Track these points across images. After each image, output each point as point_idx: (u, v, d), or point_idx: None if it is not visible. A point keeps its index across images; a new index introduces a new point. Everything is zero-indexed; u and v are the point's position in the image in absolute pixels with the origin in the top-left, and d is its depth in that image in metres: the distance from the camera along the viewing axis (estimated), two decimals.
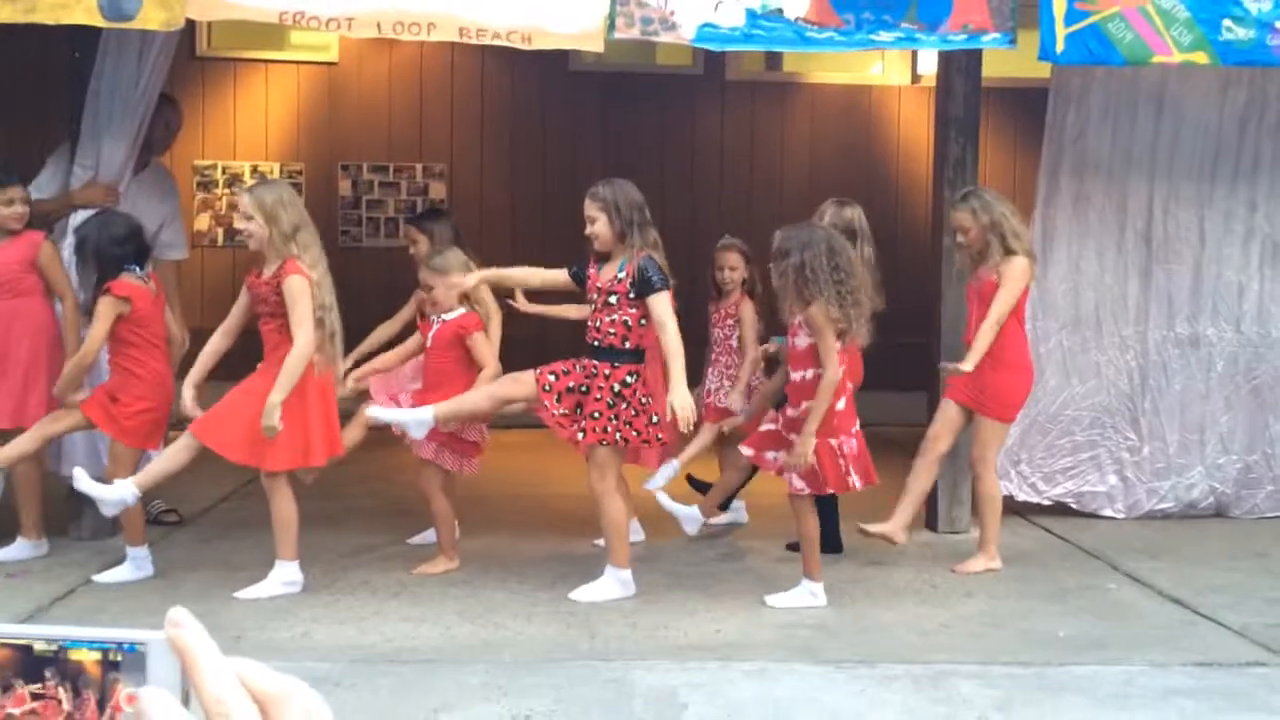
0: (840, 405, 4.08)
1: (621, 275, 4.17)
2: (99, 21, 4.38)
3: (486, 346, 4.59)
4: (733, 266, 5.12)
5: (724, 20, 4.84)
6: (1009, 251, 4.56)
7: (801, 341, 4.09)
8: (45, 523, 4.65)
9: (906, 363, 5.65)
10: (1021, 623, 4.06)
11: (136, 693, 0.60)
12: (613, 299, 4.17)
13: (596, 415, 4.12)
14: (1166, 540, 5.18)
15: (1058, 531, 5.30)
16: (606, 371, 4.15)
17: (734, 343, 5.12)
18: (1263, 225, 5.65)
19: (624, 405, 4.10)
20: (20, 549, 4.55)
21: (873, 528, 4.48)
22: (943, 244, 5.39)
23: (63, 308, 4.65)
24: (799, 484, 4.10)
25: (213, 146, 8.36)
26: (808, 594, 4.18)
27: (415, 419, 4.24)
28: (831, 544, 4.69)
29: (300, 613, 3.93)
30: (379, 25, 4.69)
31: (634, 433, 4.14)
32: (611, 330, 4.17)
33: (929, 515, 5.32)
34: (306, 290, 4.04)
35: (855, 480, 4.12)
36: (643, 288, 4.11)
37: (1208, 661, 3.63)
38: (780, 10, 4.83)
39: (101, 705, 0.61)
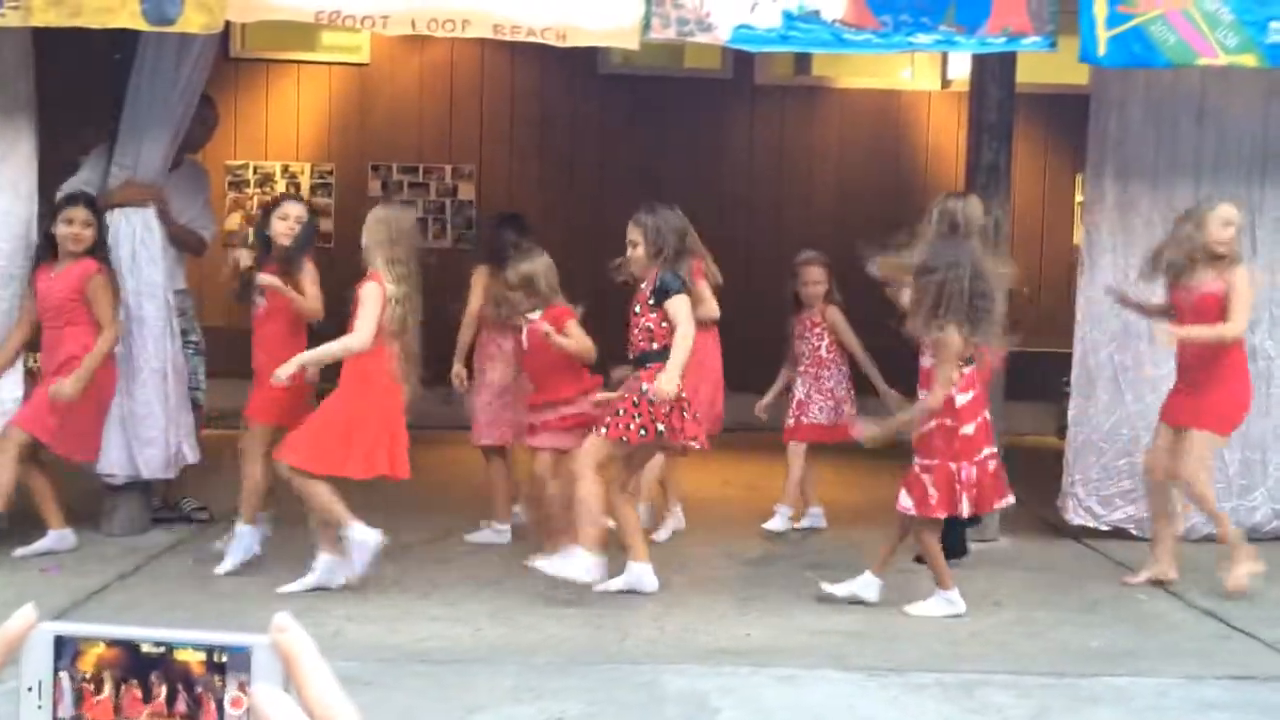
0: (968, 430, 4.08)
1: (644, 286, 4.39)
2: (143, 25, 4.42)
3: (580, 330, 4.61)
4: (816, 280, 5.31)
5: (760, 21, 4.82)
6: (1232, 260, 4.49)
7: (926, 361, 4.11)
8: (77, 521, 4.68)
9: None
10: (1053, 633, 4.02)
11: (251, 691, 0.61)
12: (637, 308, 4.38)
13: (621, 412, 4.20)
14: (1200, 555, 5.11)
15: (1089, 543, 5.24)
16: (638, 374, 4.23)
17: (823, 352, 5.25)
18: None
19: (650, 403, 4.16)
20: (52, 540, 4.59)
21: (1136, 579, 4.55)
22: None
23: (99, 339, 4.58)
24: (906, 503, 4.10)
25: (245, 146, 8.41)
26: (945, 603, 4.15)
27: (579, 568, 4.14)
28: (955, 549, 4.61)
29: (333, 611, 3.93)
30: (414, 23, 4.70)
31: (659, 428, 4.16)
32: (639, 336, 4.35)
33: None
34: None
35: (965, 507, 4.10)
36: (661, 295, 4.28)
37: (1243, 675, 3.58)
38: (817, 12, 4.81)
39: (220, 707, 0.62)
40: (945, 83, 8.60)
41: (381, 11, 4.64)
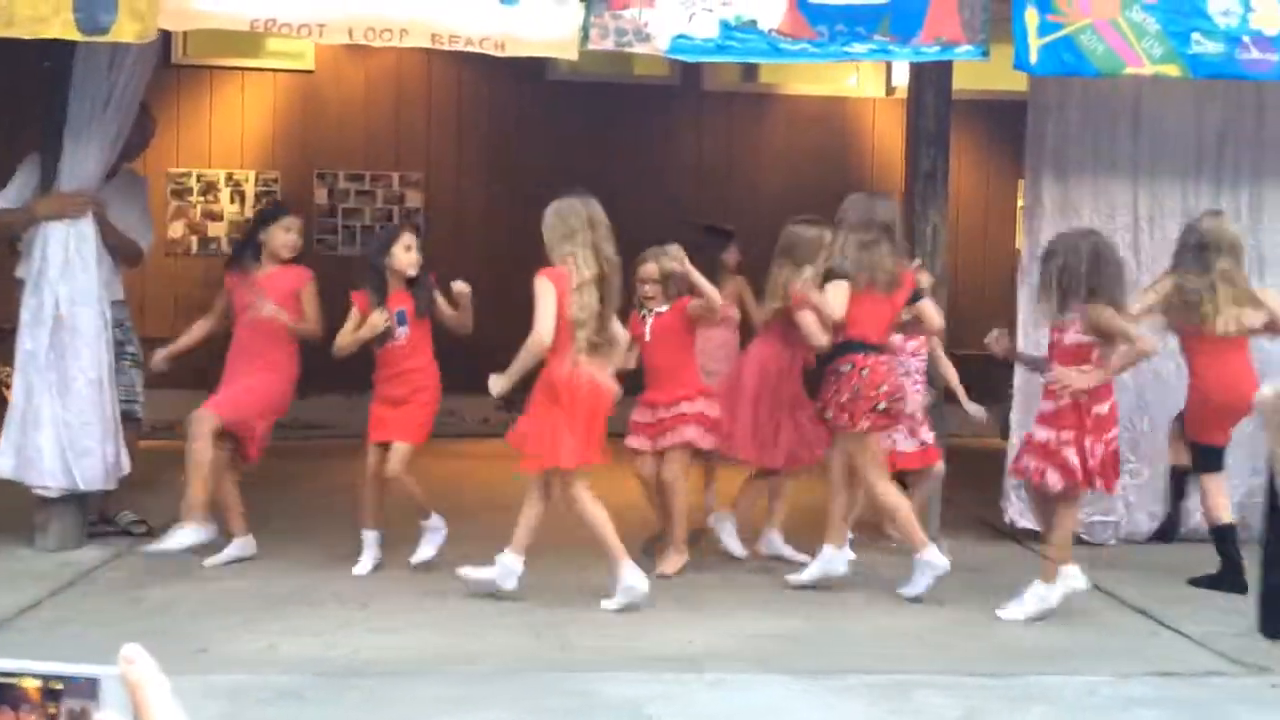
0: (1103, 409, 4.22)
1: None
2: (76, 35, 4.37)
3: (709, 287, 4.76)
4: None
5: (698, 32, 4.86)
6: None
7: (1070, 338, 4.23)
8: (9, 535, 4.61)
9: None
10: (989, 633, 4.08)
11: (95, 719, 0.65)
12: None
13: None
14: (1135, 554, 5.21)
15: (1026, 543, 5.32)
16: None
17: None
18: (1250, 236, 5.61)
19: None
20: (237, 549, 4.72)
21: None
22: (912, 255, 5.42)
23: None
24: (1053, 478, 4.17)
25: (187, 154, 8.33)
26: (1037, 599, 4.18)
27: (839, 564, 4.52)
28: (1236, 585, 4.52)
29: (268, 625, 3.90)
30: (350, 32, 4.69)
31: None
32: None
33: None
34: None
35: (1098, 482, 4.24)
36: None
37: (1169, 671, 3.65)
38: (754, 22, 4.86)
39: None
40: (890, 90, 8.70)
41: (318, 20, 4.62)
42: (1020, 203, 9.04)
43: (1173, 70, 4.65)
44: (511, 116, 8.37)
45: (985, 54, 4.84)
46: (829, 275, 4.57)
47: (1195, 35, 4.60)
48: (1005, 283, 8.41)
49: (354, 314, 4.70)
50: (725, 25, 4.87)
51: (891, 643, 3.93)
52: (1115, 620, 4.28)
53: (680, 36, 4.84)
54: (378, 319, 4.62)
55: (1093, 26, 4.69)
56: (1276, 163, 5.61)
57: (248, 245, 4.98)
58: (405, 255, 4.66)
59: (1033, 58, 4.74)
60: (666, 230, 8.14)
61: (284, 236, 4.89)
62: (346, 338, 4.67)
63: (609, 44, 4.85)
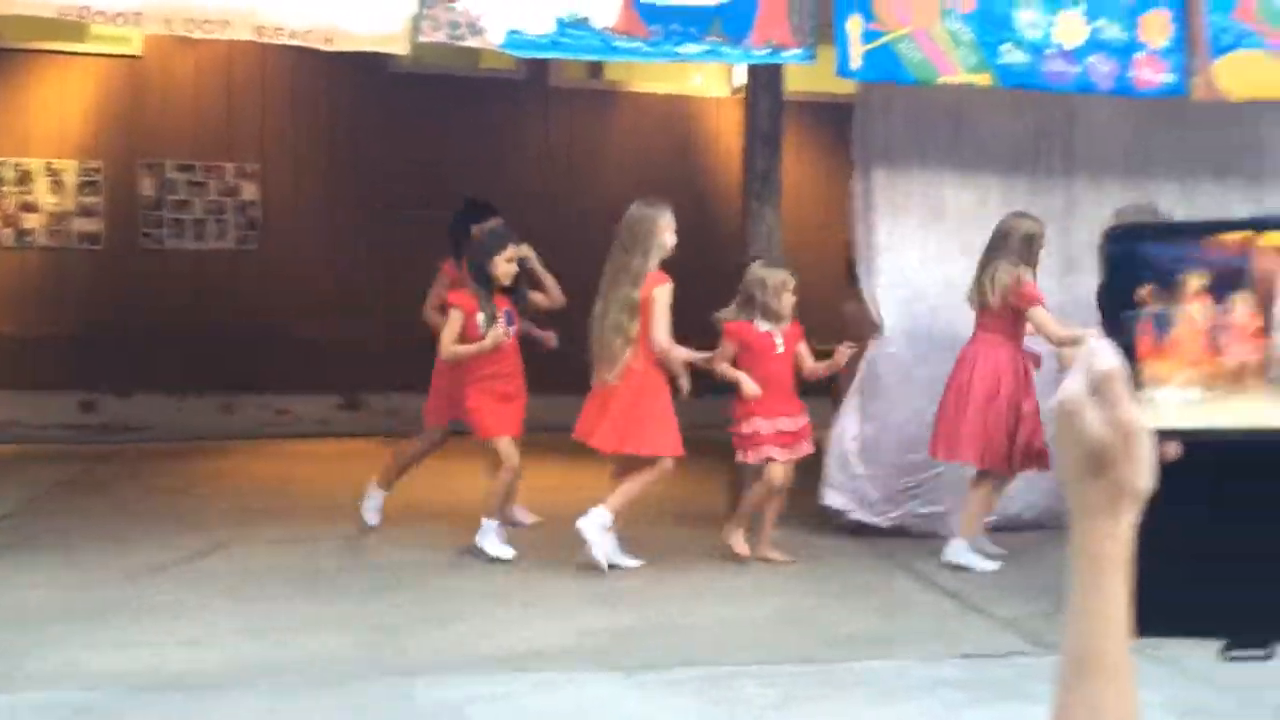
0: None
1: None
2: None
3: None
4: None
5: (532, 27, 4.84)
6: None
7: None
8: None
9: None
10: (813, 621, 4.20)
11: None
12: None
13: None
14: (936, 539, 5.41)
15: (854, 531, 5.50)
16: None
17: None
18: (1058, 239, 5.88)
19: None
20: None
21: None
22: (747, 255, 5.53)
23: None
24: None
25: (4, 142, 7.86)
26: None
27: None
28: None
29: (71, 639, 3.72)
30: (169, 22, 4.51)
31: None
32: None
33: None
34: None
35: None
36: None
37: (976, 653, 3.82)
38: (588, 19, 4.87)
39: None
40: (734, 89, 8.85)
41: (134, 8, 4.42)
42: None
43: (983, 79, 4.86)
44: (352, 107, 8.19)
45: (813, 58, 4.98)
46: None
47: (1005, 46, 4.83)
48: (842, 280, 8.66)
49: (458, 316, 4.90)
50: (560, 21, 4.86)
51: (722, 634, 4.01)
52: (931, 605, 4.46)
53: (514, 31, 4.81)
54: (502, 333, 4.89)
55: (911, 36, 4.87)
56: (1086, 167, 5.91)
57: None
58: (507, 267, 4.95)
59: (854, 64, 4.89)
60: (514, 226, 8.16)
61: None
62: (466, 347, 4.89)
63: (441, 36, 4.79)
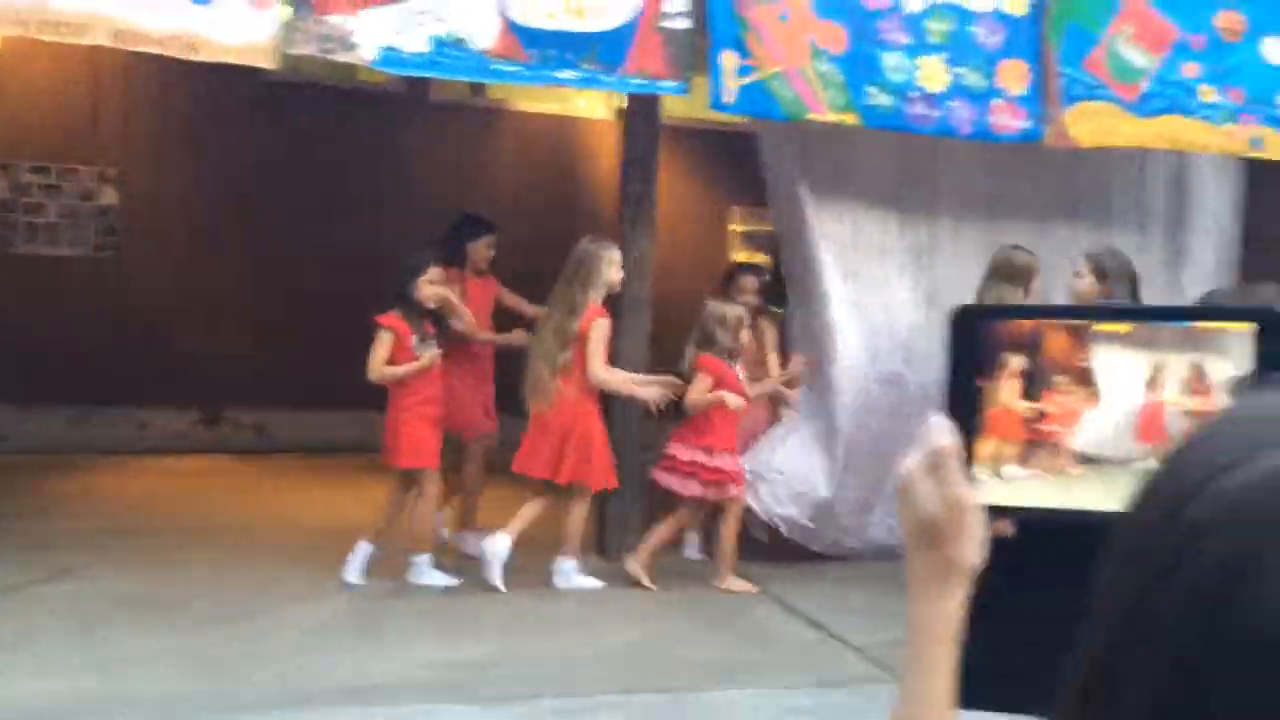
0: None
1: None
2: None
3: None
4: None
5: (408, 45, 4.79)
6: None
7: None
8: None
9: None
10: (673, 650, 4.23)
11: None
12: None
13: None
14: (819, 566, 5.53)
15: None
16: None
17: None
18: (927, 271, 6.06)
19: None
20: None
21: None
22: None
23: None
24: None
25: None
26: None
27: None
28: None
29: None
30: (24, 24, 4.33)
31: None
32: None
33: (599, 540, 5.44)
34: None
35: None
36: None
37: (829, 681, 3.91)
38: (467, 40, 4.84)
39: None
40: (618, 112, 8.91)
41: None
42: (733, 227, 9.53)
43: (850, 119, 5.00)
44: (221, 114, 7.94)
45: (687, 90, 5.05)
46: None
47: (871, 89, 4.98)
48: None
49: (388, 338, 4.84)
50: (437, 41, 4.82)
51: (578, 664, 4.00)
52: (792, 633, 4.54)
53: (389, 48, 4.75)
54: (435, 355, 4.89)
55: (784, 74, 4.99)
56: (949, 205, 6.08)
57: None
58: (431, 289, 4.95)
59: (727, 98, 4.98)
60: (389, 240, 8.04)
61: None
62: (400, 368, 4.82)
63: (311, 50, 4.70)
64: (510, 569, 4.85)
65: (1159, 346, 0.95)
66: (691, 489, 5.02)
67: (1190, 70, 5.25)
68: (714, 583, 5.05)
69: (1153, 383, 0.96)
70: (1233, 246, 5.95)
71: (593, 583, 4.98)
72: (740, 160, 6.60)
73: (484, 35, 4.84)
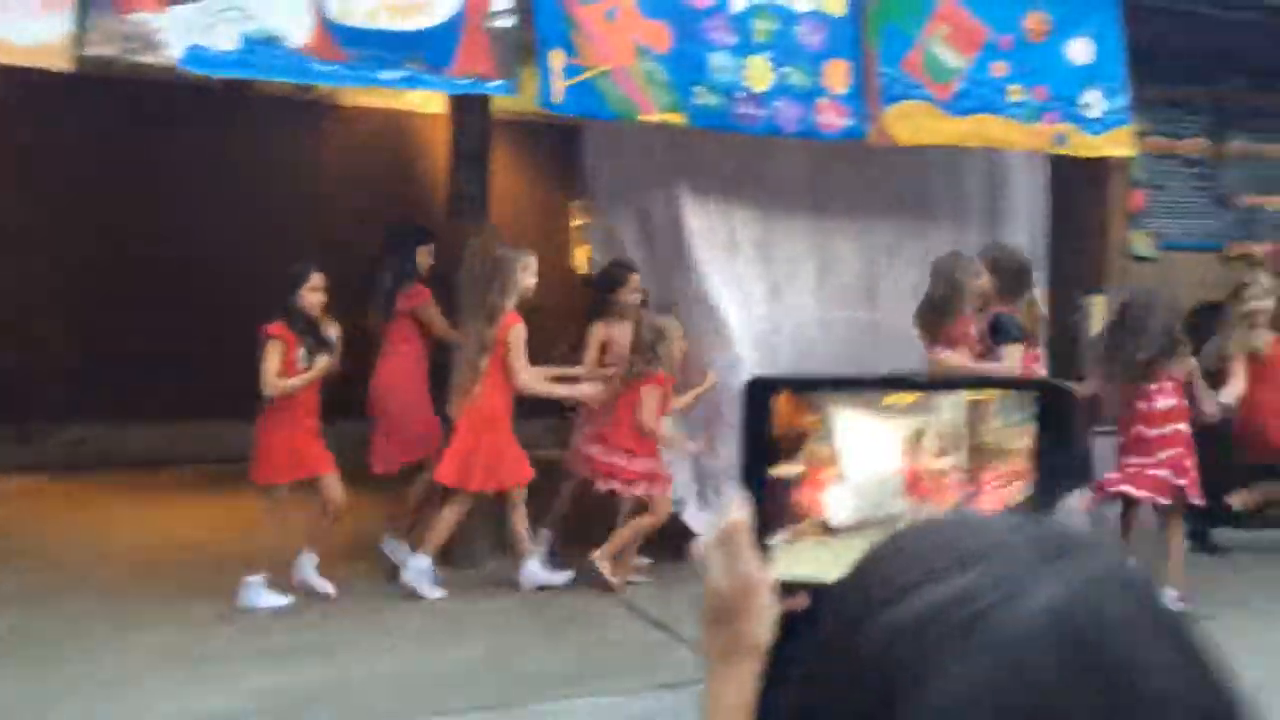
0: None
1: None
2: None
3: None
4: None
5: (216, 43, 4.56)
6: None
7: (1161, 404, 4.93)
8: None
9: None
10: (514, 661, 4.18)
11: None
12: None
13: None
14: (682, 568, 5.54)
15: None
16: None
17: None
18: (764, 265, 6.10)
19: None
20: None
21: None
22: (457, 278, 5.47)
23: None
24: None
25: None
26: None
27: None
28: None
29: None
30: None
31: None
32: None
33: (450, 550, 5.34)
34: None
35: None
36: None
37: (672, 683, 3.93)
38: (279, 38, 4.64)
39: None
40: (453, 107, 8.73)
41: None
42: (574, 223, 9.48)
43: (677, 118, 5.02)
44: (30, 112, 7.42)
45: (515, 90, 4.97)
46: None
47: (697, 88, 5.01)
48: (558, 302, 8.73)
49: (278, 348, 4.69)
50: (247, 39, 4.61)
51: (413, 684, 3.91)
52: (637, 636, 4.54)
53: (196, 47, 4.52)
54: (327, 363, 4.78)
55: (611, 73, 4.97)
56: (782, 203, 6.16)
57: None
58: (313, 297, 4.81)
59: (556, 98, 4.93)
60: (214, 240, 7.69)
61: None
62: (297, 379, 4.69)
63: (113, 49, 4.43)
64: (351, 582, 4.72)
65: (921, 410, 0.96)
66: (612, 486, 5.12)
67: (999, 69, 5.47)
68: (592, 556, 5.04)
69: (916, 444, 0.96)
70: (1043, 239, 6.25)
71: (438, 592, 4.89)
72: (581, 154, 6.55)
73: (298, 33, 4.65)
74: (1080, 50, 5.62)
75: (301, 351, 4.76)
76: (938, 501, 0.97)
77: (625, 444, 5.07)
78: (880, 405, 0.96)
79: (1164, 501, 4.93)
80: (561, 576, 5.12)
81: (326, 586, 4.82)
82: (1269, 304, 5.52)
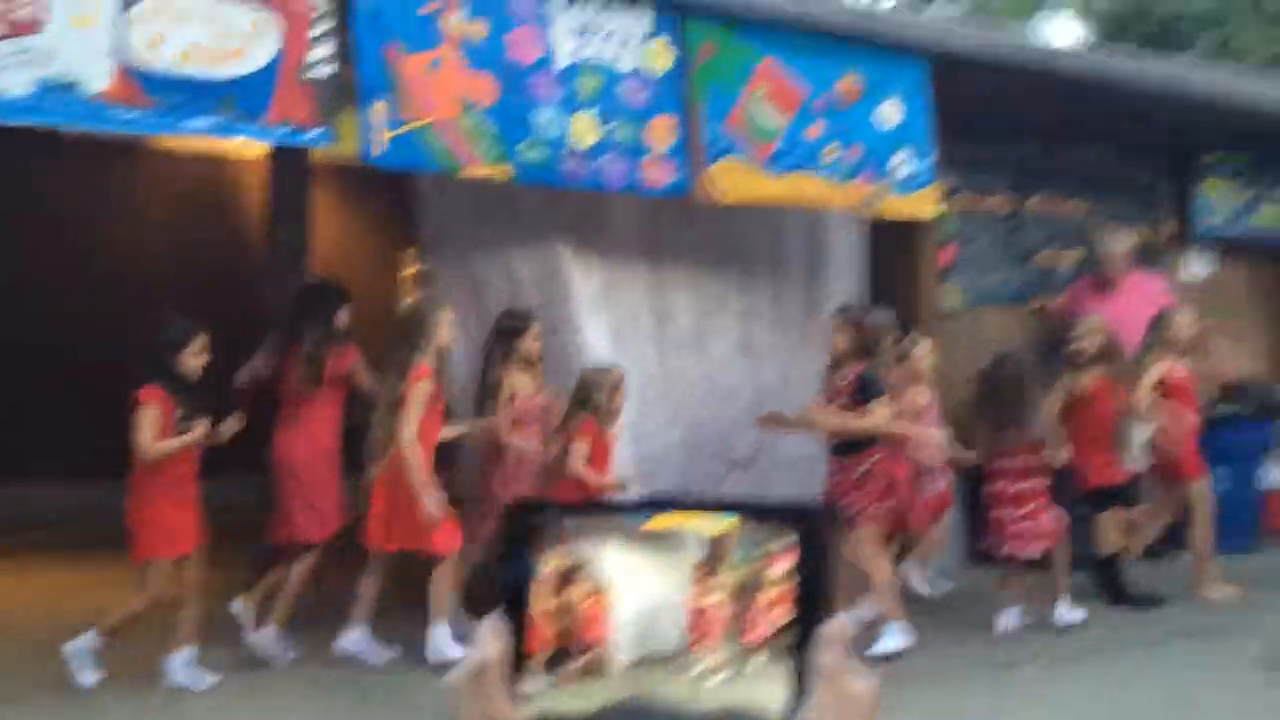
0: None
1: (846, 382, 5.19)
2: None
3: None
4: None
5: (7, 88, 4.29)
6: None
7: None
8: None
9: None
10: None
11: None
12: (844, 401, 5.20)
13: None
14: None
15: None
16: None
17: None
18: (608, 312, 5.99)
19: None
20: None
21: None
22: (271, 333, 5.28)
23: None
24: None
25: None
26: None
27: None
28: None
29: None
30: None
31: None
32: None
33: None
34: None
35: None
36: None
37: None
38: (76, 84, 4.40)
39: None
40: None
41: None
42: (405, 271, 9.32)
43: (503, 173, 4.99)
44: None
45: (333, 139, 4.83)
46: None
47: (523, 143, 4.99)
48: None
49: (155, 413, 4.38)
50: (42, 83, 4.35)
51: None
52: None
53: None
54: (207, 427, 4.46)
55: (435, 125, 4.89)
56: (621, 251, 6.14)
57: None
58: (196, 360, 4.52)
59: (377, 150, 4.81)
60: (18, 290, 7.19)
61: None
62: (174, 441, 4.39)
63: None
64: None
65: (688, 536, 0.93)
66: None
67: (815, 130, 5.66)
68: None
69: (689, 572, 0.94)
70: (860, 293, 6.48)
71: (209, 679, 4.54)
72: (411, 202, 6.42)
73: (97, 78, 4.42)
74: (890, 112, 5.87)
75: (178, 415, 4.45)
76: (709, 635, 0.94)
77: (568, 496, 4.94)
78: (650, 531, 0.93)
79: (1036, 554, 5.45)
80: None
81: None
82: (1092, 342, 5.89)
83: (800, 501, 0.89)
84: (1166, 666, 4.89)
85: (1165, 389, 5.96)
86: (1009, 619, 5.41)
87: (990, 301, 7.16)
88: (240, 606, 4.89)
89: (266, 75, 4.72)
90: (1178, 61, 8.26)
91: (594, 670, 0.94)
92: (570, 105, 5.12)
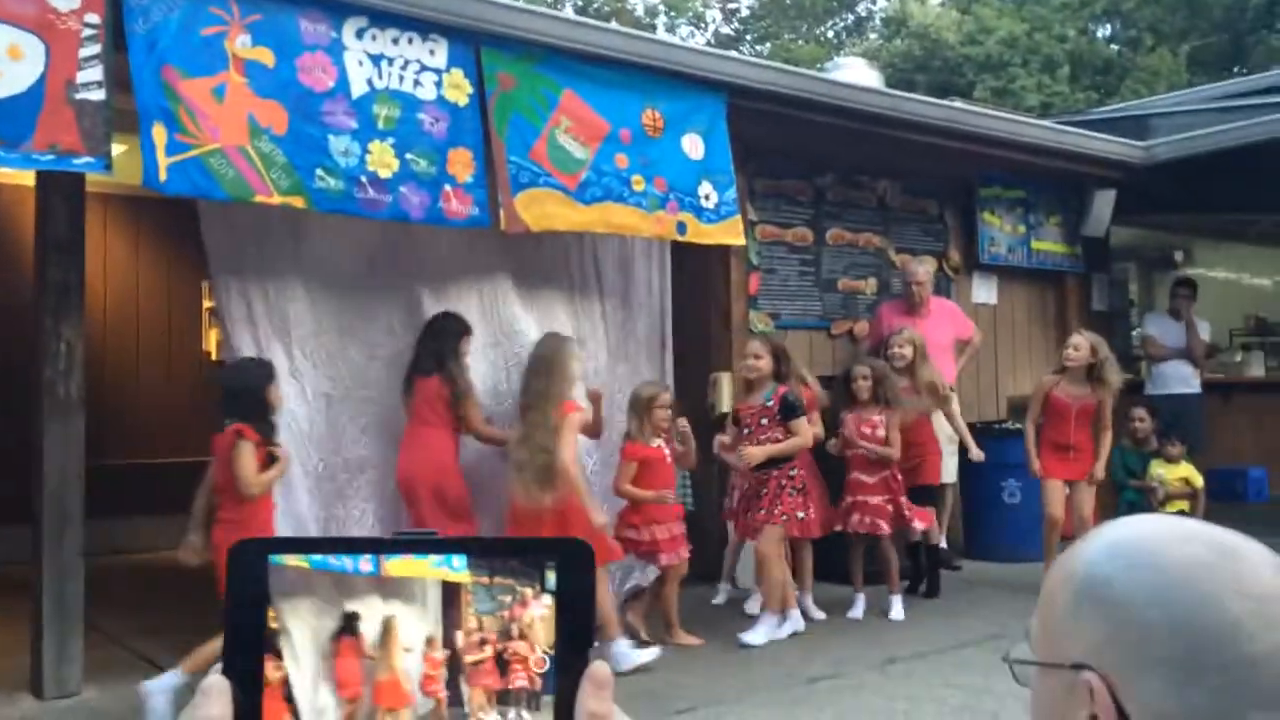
0: None
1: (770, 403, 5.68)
2: None
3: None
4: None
5: None
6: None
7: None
8: None
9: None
10: None
11: None
12: (764, 420, 5.67)
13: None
14: None
15: None
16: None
17: None
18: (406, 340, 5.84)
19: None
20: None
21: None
22: (43, 376, 4.89)
23: None
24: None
25: None
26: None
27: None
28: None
29: None
30: None
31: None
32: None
33: (34, 679, 4.68)
34: None
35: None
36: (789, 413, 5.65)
37: None
38: None
39: None
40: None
41: None
42: (207, 304, 8.85)
43: (298, 202, 4.79)
44: None
45: (107, 166, 4.53)
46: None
47: (319, 171, 4.81)
48: (196, 387, 8.08)
49: (251, 448, 4.55)
50: None
51: None
52: None
53: None
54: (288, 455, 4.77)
55: (223, 151, 4.65)
56: (431, 283, 5.95)
57: None
58: (279, 394, 4.81)
59: (160, 176, 4.54)
60: None
61: None
62: (270, 474, 4.62)
63: None
64: None
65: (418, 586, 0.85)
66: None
67: (621, 161, 5.71)
68: (665, 636, 5.51)
69: (430, 622, 0.85)
70: (664, 319, 6.56)
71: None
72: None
73: None
74: (692, 145, 5.99)
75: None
76: (466, 688, 0.84)
77: (632, 517, 5.43)
78: (388, 579, 0.84)
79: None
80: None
81: None
82: (906, 350, 6.58)
83: (555, 539, 0.81)
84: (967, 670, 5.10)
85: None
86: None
87: (795, 326, 7.42)
88: None
89: (31, 98, 4.39)
90: (959, 105, 8.83)
91: None
92: (367, 134, 4.97)
